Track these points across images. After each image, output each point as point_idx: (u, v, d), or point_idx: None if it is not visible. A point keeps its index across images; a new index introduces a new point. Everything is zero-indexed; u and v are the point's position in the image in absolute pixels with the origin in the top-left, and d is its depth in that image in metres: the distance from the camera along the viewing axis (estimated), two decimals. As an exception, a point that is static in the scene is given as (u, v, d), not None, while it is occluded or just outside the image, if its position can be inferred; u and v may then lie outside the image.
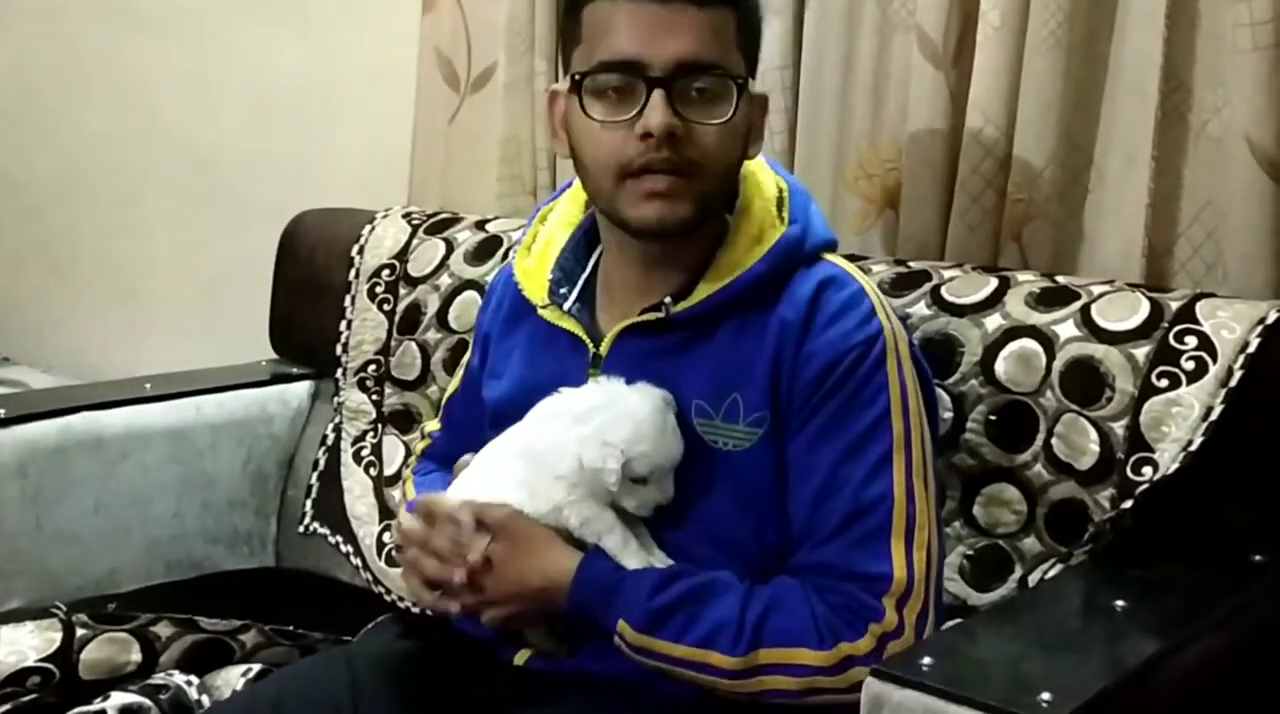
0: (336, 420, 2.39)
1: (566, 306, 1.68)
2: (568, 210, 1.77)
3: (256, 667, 1.96)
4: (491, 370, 1.79)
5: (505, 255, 2.24)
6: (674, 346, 1.61)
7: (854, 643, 1.48)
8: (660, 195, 1.55)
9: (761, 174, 1.67)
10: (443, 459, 1.89)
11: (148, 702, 1.86)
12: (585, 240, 1.74)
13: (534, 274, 1.72)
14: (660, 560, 1.58)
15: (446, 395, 1.93)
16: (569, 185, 1.80)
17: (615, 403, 1.57)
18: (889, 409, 1.55)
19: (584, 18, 1.56)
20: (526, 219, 1.81)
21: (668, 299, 1.61)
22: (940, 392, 1.80)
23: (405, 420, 2.34)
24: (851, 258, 1.95)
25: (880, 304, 1.60)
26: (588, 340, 1.66)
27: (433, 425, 1.96)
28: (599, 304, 1.70)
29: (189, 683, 1.91)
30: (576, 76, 1.57)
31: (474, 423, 1.80)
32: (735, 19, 1.55)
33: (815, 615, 1.50)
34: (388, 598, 2.19)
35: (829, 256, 1.65)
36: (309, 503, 2.38)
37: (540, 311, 1.70)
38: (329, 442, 2.39)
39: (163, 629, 1.98)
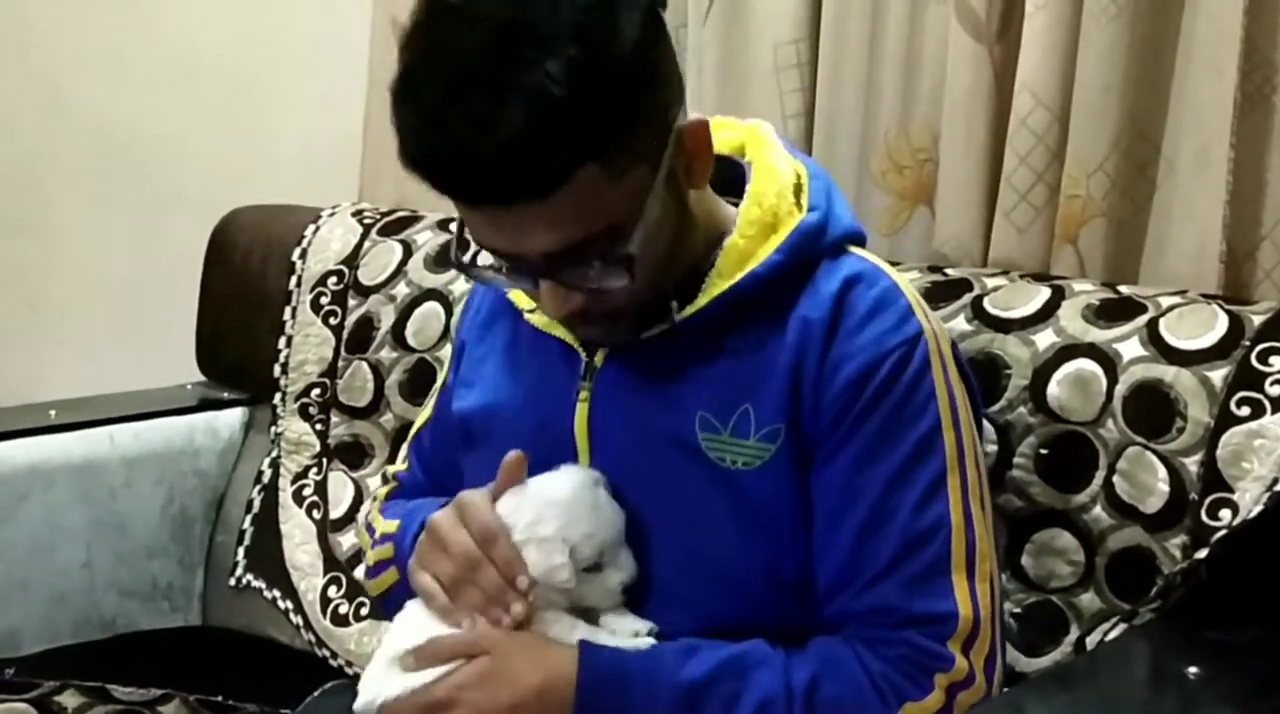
0: (274, 454, 2.40)
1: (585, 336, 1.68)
2: None
3: (179, 744, 1.97)
4: (463, 379, 1.79)
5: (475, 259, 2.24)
6: (677, 353, 1.61)
7: (921, 701, 1.49)
8: (595, 333, 1.61)
9: (775, 158, 1.67)
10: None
11: (51, 784, 1.87)
12: None
13: None
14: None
15: (415, 428, 1.92)
16: None
17: (534, 496, 1.59)
18: (939, 422, 1.55)
19: (416, 175, 1.51)
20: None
21: (674, 304, 1.61)
22: (983, 421, 1.81)
23: (355, 454, 2.34)
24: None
25: (917, 302, 1.61)
26: (580, 349, 1.66)
27: (397, 466, 1.95)
28: None
29: (99, 763, 1.92)
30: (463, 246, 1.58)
31: (451, 461, 1.80)
32: (599, 164, 1.44)
33: (871, 674, 1.50)
34: (334, 662, 2.20)
35: (855, 249, 1.66)
36: (241, 551, 2.39)
37: (528, 316, 1.70)
38: (265, 479, 2.40)
39: (69, 699, 1.99)
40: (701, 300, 1.59)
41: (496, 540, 1.55)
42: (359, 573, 2.15)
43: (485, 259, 1.56)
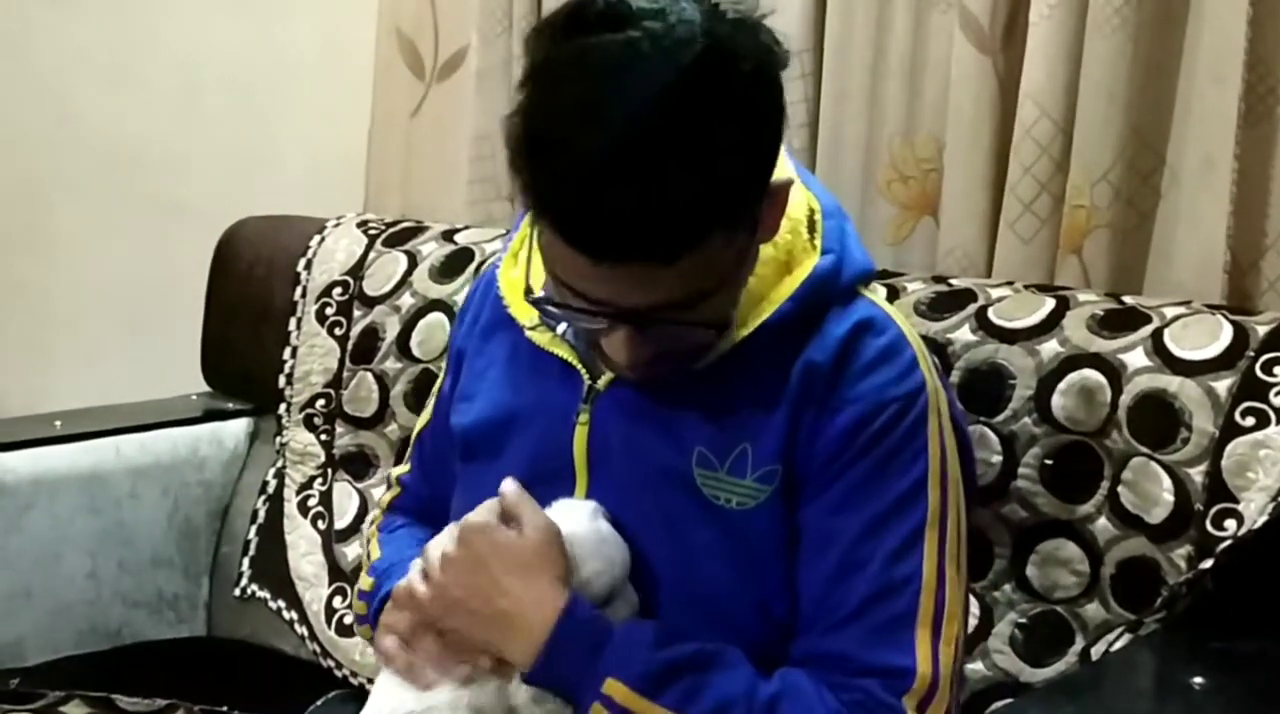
0: (279, 464, 2.40)
1: (560, 329, 1.68)
2: None
3: (184, 754, 1.97)
4: (462, 392, 1.78)
5: (478, 271, 2.25)
6: (680, 387, 1.60)
7: None
8: (646, 381, 1.59)
9: (791, 189, 1.66)
10: (414, 511, 1.90)
11: (55, 795, 1.87)
12: None
13: (521, 287, 1.72)
14: None
15: (416, 430, 1.93)
16: None
17: None
18: (927, 477, 1.54)
19: (540, 226, 1.48)
20: (513, 224, 1.80)
21: None
22: (987, 432, 1.82)
23: (359, 464, 2.34)
24: (883, 274, 1.97)
25: (923, 354, 1.60)
26: (585, 373, 1.66)
27: (401, 469, 1.95)
28: None
29: (105, 772, 1.93)
30: (530, 293, 1.57)
31: (450, 462, 1.79)
32: (723, 233, 1.44)
33: (830, 711, 1.49)
34: (338, 673, 2.20)
35: (866, 292, 1.64)
36: (246, 561, 2.39)
37: (529, 332, 1.69)
38: (270, 489, 2.40)
39: (74, 710, 1.99)
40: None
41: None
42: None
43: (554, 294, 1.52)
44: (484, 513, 1.58)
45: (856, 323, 1.58)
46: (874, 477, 1.53)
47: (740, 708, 1.48)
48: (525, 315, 1.69)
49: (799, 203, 1.62)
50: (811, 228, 1.62)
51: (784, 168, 1.64)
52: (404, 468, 1.92)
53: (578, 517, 1.58)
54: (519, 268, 1.71)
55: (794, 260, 1.60)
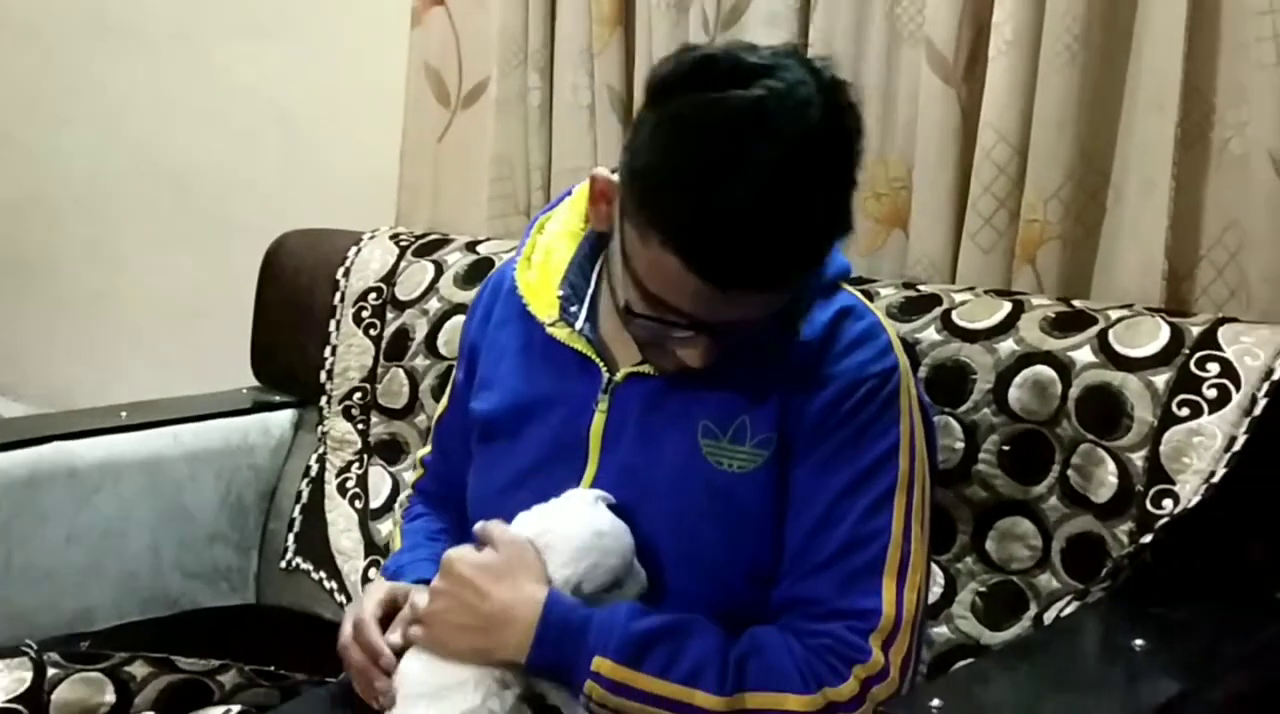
0: (320, 451, 2.40)
1: (578, 326, 1.68)
2: (568, 220, 1.75)
3: (236, 708, 1.96)
4: (482, 380, 1.78)
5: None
6: (688, 373, 1.61)
7: (838, 687, 1.48)
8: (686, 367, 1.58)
9: None
10: (433, 490, 1.91)
11: (121, 745, 1.87)
12: (590, 252, 1.73)
13: (539, 289, 1.71)
14: None
15: (437, 416, 1.93)
16: (567, 194, 1.79)
17: (544, 534, 1.58)
18: (898, 446, 1.56)
19: (649, 240, 1.46)
20: (524, 231, 1.81)
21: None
22: (951, 421, 1.82)
23: (392, 450, 2.34)
24: (859, 280, 1.97)
25: (895, 340, 1.62)
26: (603, 366, 1.66)
27: (424, 451, 1.96)
28: (604, 323, 1.68)
29: (165, 726, 1.92)
30: (625, 303, 1.55)
31: (464, 443, 1.79)
32: (811, 270, 1.53)
33: (796, 659, 1.49)
34: (373, 637, 2.20)
35: (846, 287, 1.67)
36: (291, 537, 2.38)
37: (549, 329, 1.69)
38: (312, 473, 2.40)
39: (138, 669, 1.98)
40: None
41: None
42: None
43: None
44: (460, 549, 1.60)
45: (839, 310, 1.60)
46: (852, 443, 1.55)
47: (714, 667, 1.49)
48: (545, 312, 1.69)
49: None
50: None
51: None
52: (426, 450, 1.96)
53: (576, 513, 1.58)
54: (534, 271, 1.73)
55: None
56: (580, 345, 1.67)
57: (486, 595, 1.54)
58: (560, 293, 1.69)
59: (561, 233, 1.75)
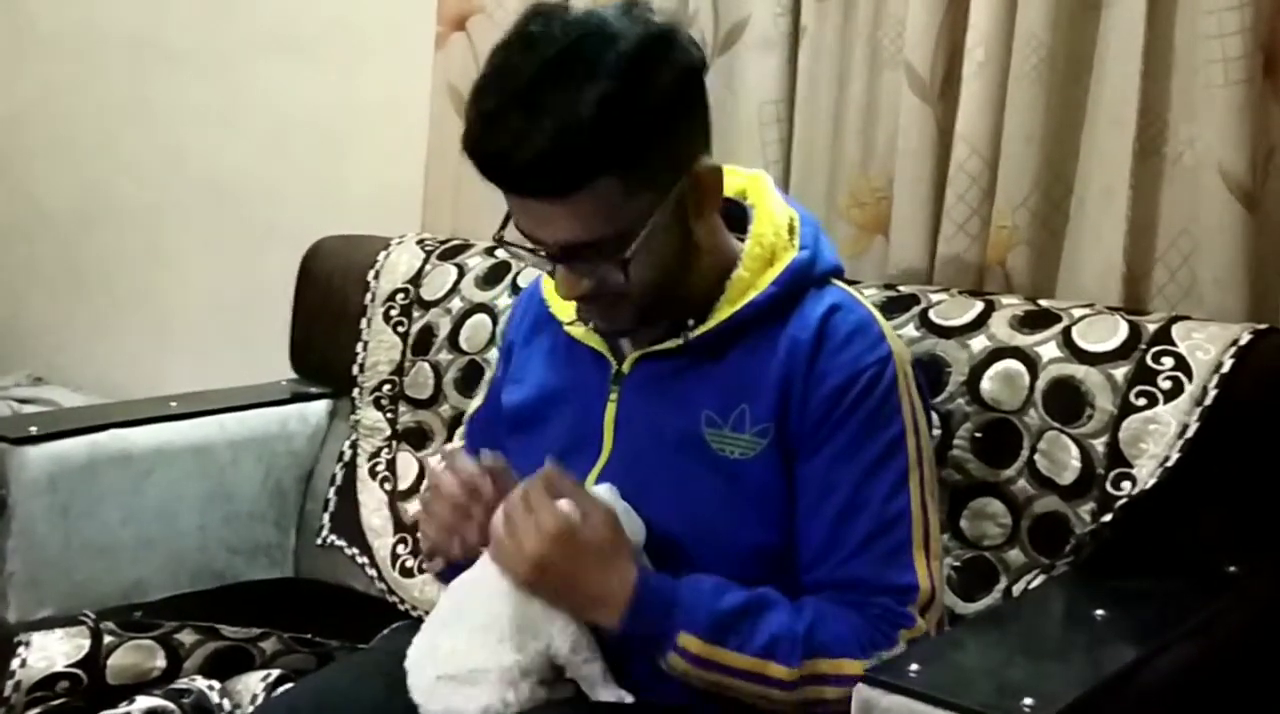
0: (353, 437, 2.40)
1: (591, 323, 1.68)
2: None
3: (276, 673, 1.96)
4: (512, 376, 1.79)
5: (515, 279, 2.25)
6: (689, 363, 1.61)
7: (891, 651, 1.48)
8: (601, 322, 1.61)
9: (773, 203, 1.67)
10: None
11: (171, 705, 1.87)
12: None
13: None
14: None
15: (470, 412, 1.93)
16: None
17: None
18: (904, 429, 1.55)
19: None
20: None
21: (690, 322, 1.61)
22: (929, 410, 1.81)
23: (418, 437, 2.34)
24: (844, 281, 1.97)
25: (887, 329, 1.61)
26: (612, 358, 1.66)
27: (452, 446, 1.95)
28: None
29: (210, 688, 1.92)
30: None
31: (498, 437, 1.79)
32: (618, 179, 1.46)
33: (854, 627, 1.50)
34: (401, 607, 2.20)
35: (837, 282, 1.66)
36: (326, 516, 2.38)
37: (567, 327, 1.70)
38: (346, 458, 2.40)
39: (186, 637, 1.98)
40: (711, 322, 1.60)
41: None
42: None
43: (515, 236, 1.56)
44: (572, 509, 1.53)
45: (830, 305, 1.59)
46: (861, 433, 1.54)
47: (786, 640, 1.49)
48: (565, 314, 1.70)
49: (780, 213, 1.65)
50: (791, 232, 1.64)
51: (762, 187, 1.66)
52: (457, 444, 1.93)
53: (607, 500, 1.58)
54: None
55: (777, 256, 1.62)
56: (594, 342, 1.68)
57: (589, 578, 1.51)
58: None
59: None
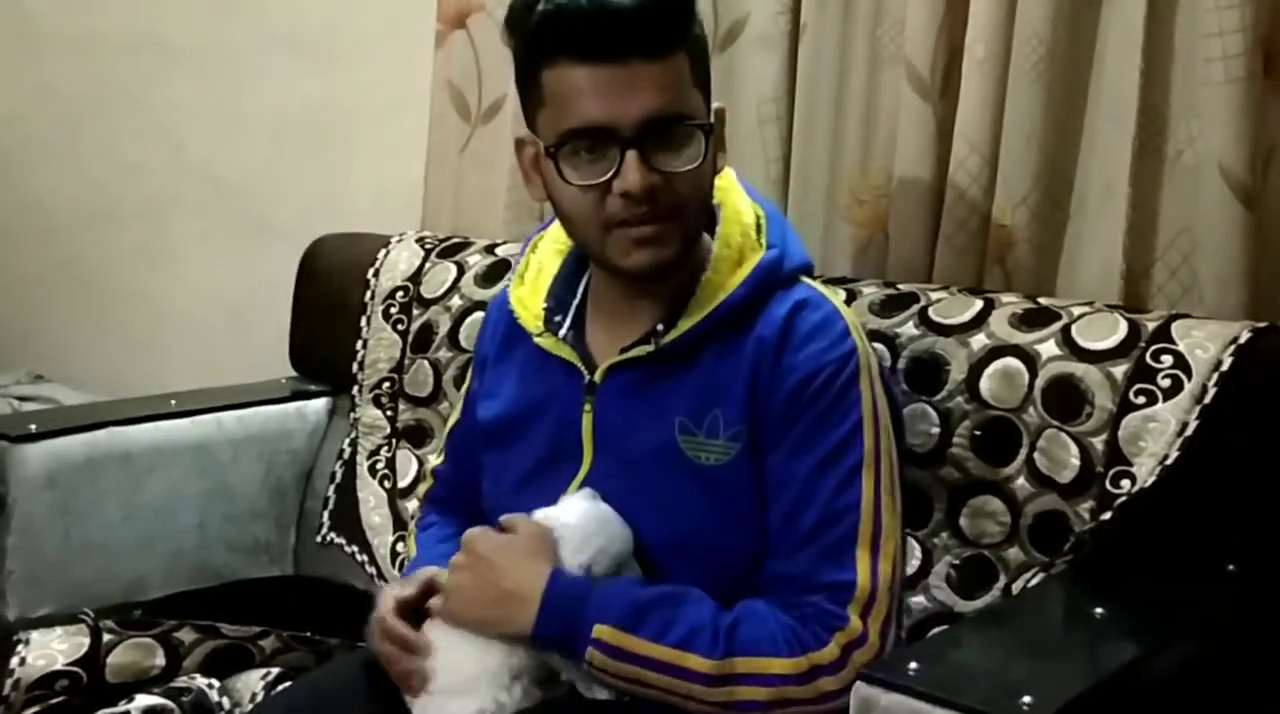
0: (353, 435, 2.40)
1: (561, 334, 1.67)
2: (556, 237, 1.76)
3: (275, 671, 1.97)
4: (487, 391, 1.78)
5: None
6: (661, 370, 1.61)
7: (820, 652, 1.47)
8: (648, 241, 1.55)
9: (739, 201, 1.66)
10: (445, 498, 1.90)
11: (170, 704, 1.87)
12: (575, 266, 1.73)
13: (529, 302, 1.72)
14: None
15: (449, 426, 1.92)
16: None
17: (555, 530, 1.57)
18: (860, 424, 1.54)
19: (544, 82, 1.52)
20: (520, 250, 1.81)
21: (660, 327, 1.60)
22: (927, 408, 1.81)
23: (418, 435, 2.34)
24: (843, 280, 1.97)
25: (853, 325, 1.60)
26: (583, 369, 1.65)
27: (435, 462, 1.95)
28: (589, 329, 1.69)
29: (210, 686, 1.92)
30: (549, 149, 1.54)
31: (476, 451, 1.79)
32: (688, 59, 1.52)
33: (781, 626, 1.49)
34: (401, 605, 2.20)
35: (805, 279, 1.65)
36: (326, 514, 2.38)
37: (536, 340, 1.69)
38: (345, 455, 2.40)
39: (186, 635, 1.98)
40: (681, 327, 1.59)
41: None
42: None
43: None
44: (480, 529, 1.61)
45: (795, 303, 1.59)
46: (817, 427, 1.53)
47: (706, 633, 1.48)
48: (533, 325, 1.69)
49: (747, 211, 1.65)
50: (758, 230, 1.64)
51: (727, 185, 1.67)
52: (437, 461, 1.93)
53: (581, 507, 1.58)
54: (526, 286, 1.73)
55: (744, 257, 1.61)
56: (564, 352, 1.66)
57: (502, 571, 1.54)
58: (545, 305, 1.70)
59: (550, 249, 1.76)
